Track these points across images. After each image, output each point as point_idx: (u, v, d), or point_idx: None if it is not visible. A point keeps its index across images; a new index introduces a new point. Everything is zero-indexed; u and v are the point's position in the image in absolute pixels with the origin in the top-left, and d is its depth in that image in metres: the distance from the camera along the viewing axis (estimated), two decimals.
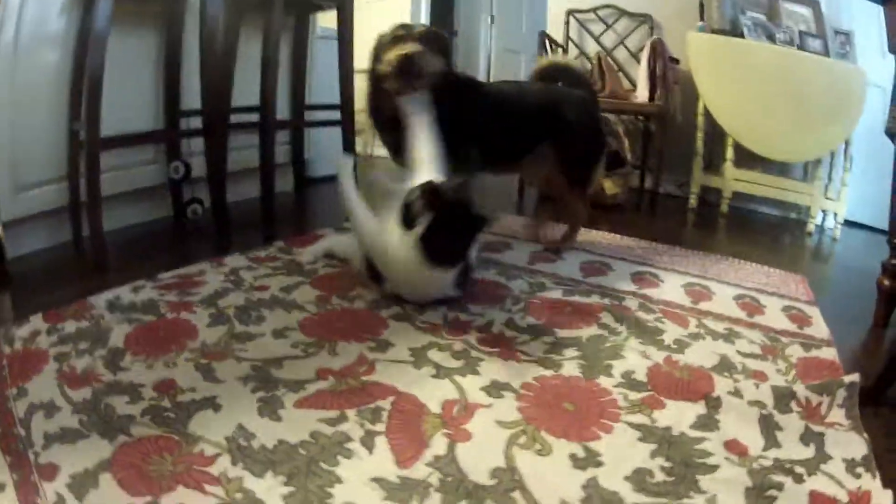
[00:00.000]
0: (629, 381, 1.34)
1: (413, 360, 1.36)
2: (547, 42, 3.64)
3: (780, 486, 1.01)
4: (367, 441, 1.05)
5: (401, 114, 1.81)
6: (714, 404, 1.25)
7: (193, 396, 1.15)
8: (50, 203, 1.98)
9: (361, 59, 2.06)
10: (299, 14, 2.87)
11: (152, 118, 2.33)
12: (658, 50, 3.30)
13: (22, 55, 1.80)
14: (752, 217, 3.57)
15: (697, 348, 1.54)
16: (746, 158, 3.30)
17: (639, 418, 1.19)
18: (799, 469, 1.06)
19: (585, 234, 2.52)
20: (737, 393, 1.30)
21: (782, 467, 1.06)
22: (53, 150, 1.96)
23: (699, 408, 1.24)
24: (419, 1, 4.61)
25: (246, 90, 2.50)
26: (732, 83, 3.19)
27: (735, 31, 3.33)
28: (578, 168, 2.21)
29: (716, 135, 3.43)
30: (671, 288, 2.00)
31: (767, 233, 3.29)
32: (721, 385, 1.34)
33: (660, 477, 1.02)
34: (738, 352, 1.54)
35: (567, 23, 3.95)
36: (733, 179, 3.35)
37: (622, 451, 1.08)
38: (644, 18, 3.81)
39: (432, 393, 1.22)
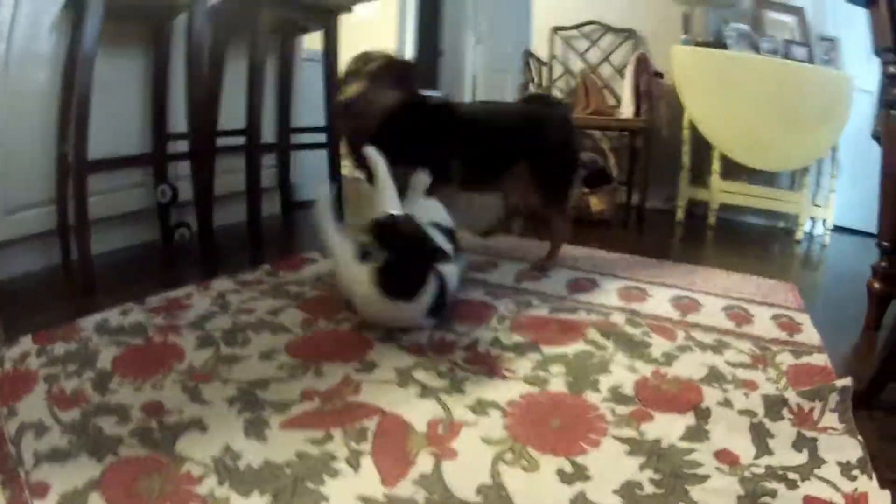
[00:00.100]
0: (616, 396, 1.33)
1: (398, 380, 1.35)
2: (532, 61, 3.67)
3: (773, 494, 1.01)
4: (353, 460, 1.04)
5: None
6: (703, 415, 1.25)
7: (180, 418, 1.15)
8: (39, 226, 1.98)
9: None
10: (285, 36, 2.88)
11: (139, 141, 2.33)
12: (642, 65, 3.33)
13: (12, 75, 1.80)
14: (741, 228, 3.59)
15: (686, 360, 1.54)
16: (733, 170, 3.33)
17: (627, 432, 1.18)
18: (792, 475, 1.06)
19: (572, 251, 2.52)
20: (726, 403, 1.30)
21: (775, 474, 1.06)
22: (42, 172, 1.96)
23: (688, 419, 1.24)
24: (405, 22, 4.65)
25: (232, 113, 2.51)
26: (718, 95, 3.22)
27: (719, 43, 3.38)
28: (554, 186, 2.22)
29: (701, 148, 3.45)
30: (658, 301, 2.00)
31: (756, 243, 3.31)
32: (710, 396, 1.33)
33: (649, 489, 1.01)
34: (727, 362, 1.54)
35: (552, 41, 3.98)
36: (720, 191, 3.37)
37: (610, 465, 1.08)
38: (628, 34, 3.85)
39: (418, 412, 1.22)
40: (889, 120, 1.86)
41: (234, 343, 1.49)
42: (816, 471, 1.08)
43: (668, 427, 1.21)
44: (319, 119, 2.77)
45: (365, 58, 1.90)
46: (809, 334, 1.78)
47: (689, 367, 1.49)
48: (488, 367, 1.44)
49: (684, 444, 1.15)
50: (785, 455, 1.12)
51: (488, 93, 5.50)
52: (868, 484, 1.04)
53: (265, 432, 1.11)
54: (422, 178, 1.90)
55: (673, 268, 2.43)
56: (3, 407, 1.14)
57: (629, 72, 3.43)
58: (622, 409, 1.27)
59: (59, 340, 1.43)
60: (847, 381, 1.29)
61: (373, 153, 1.75)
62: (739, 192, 3.37)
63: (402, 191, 1.81)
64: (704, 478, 1.05)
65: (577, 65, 3.97)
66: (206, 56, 2.23)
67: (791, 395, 1.29)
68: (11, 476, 0.95)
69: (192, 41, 2.16)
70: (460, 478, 1.01)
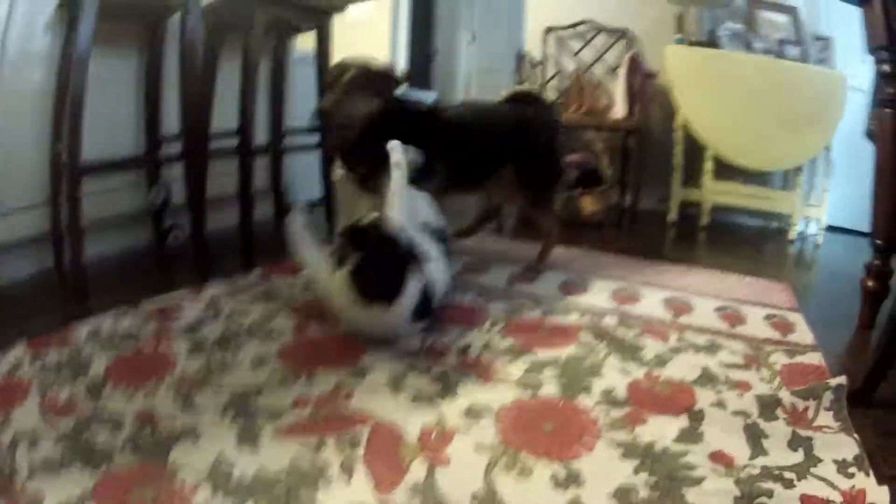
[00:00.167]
0: (609, 399, 1.33)
1: (391, 386, 1.35)
2: (525, 61, 3.67)
3: (769, 494, 1.01)
4: (347, 468, 1.04)
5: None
6: (697, 417, 1.25)
7: (173, 426, 1.14)
8: (32, 229, 1.96)
9: None
10: (278, 37, 2.87)
11: (133, 143, 2.32)
12: (635, 65, 3.33)
13: (6, 75, 1.79)
14: (734, 228, 3.60)
15: (678, 362, 1.54)
16: (726, 170, 3.33)
17: (620, 435, 1.18)
18: (788, 475, 1.06)
19: (564, 253, 2.52)
20: (720, 404, 1.30)
21: (771, 474, 1.06)
22: (36, 174, 1.95)
23: (682, 421, 1.24)
24: (398, 22, 4.64)
25: (225, 115, 2.50)
26: (712, 95, 3.22)
27: (713, 43, 3.38)
28: (539, 188, 2.22)
29: (694, 148, 3.45)
30: (651, 303, 2.00)
31: (749, 243, 3.31)
32: (703, 397, 1.34)
33: (644, 493, 1.01)
34: (721, 363, 1.54)
35: (545, 40, 3.98)
36: (713, 192, 3.38)
37: (604, 469, 1.08)
38: (621, 33, 3.85)
39: (411, 418, 1.21)
40: (883, 118, 1.87)
41: (226, 349, 1.48)
42: (813, 469, 1.08)
43: (661, 430, 1.21)
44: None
45: (341, 68, 1.91)
46: (803, 334, 1.78)
47: (683, 368, 1.49)
48: (481, 371, 1.44)
49: (678, 447, 1.15)
50: (780, 455, 1.13)
51: (482, 93, 5.49)
52: (866, 481, 1.05)
53: (258, 440, 1.11)
54: (413, 156, 1.86)
55: (666, 269, 2.43)
56: None
57: (622, 71, 3.43)
58: (616, 413, 1.27)
59: (52, 348, 1.42)
60: (841, 380, 1.30)
61: (397, 151, 1.74)
62: (732, 192, 3.38)
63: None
64: (700, 480, 1.05)
65: (570, 65, 3.97)
66: (200, 56, 2.22)
67: (785, 395, 1.30)
68: (6, 485, 0.95)
69: (186, 41, 2.14)
70: (454, 485, 1.01)
